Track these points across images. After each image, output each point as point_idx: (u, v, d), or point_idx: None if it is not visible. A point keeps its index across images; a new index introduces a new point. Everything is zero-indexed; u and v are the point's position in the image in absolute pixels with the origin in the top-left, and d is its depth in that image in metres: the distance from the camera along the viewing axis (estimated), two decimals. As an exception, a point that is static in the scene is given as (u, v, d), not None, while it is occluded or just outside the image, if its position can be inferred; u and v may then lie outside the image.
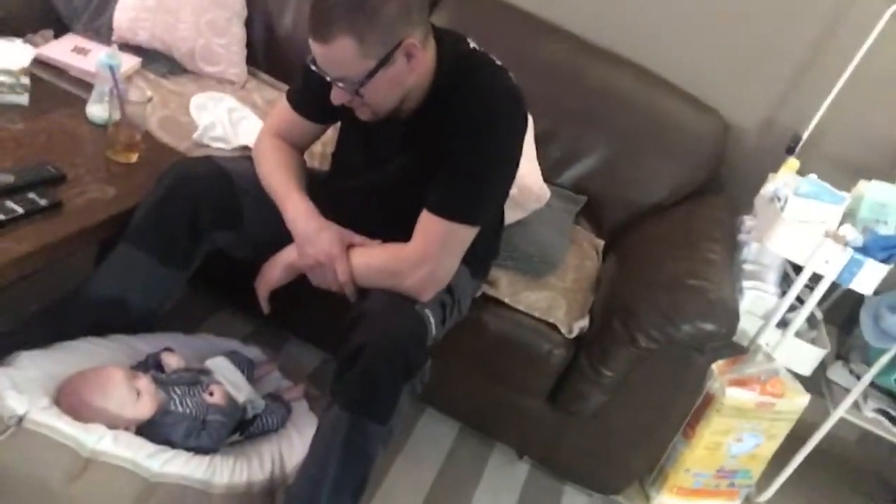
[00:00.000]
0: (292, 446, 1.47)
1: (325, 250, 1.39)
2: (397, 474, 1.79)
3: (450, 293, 1.47)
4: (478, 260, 1.56)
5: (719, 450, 1.92)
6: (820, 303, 1.97)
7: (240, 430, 1.45)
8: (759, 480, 2.05)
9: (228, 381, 1.46)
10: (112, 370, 1.35)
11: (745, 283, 1.97)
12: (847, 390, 2.03)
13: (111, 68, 1.57)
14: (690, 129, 2.14)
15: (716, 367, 1.87)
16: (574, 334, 1.74)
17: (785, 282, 2.03)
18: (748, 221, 2.08)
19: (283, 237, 1.44)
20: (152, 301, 1.52)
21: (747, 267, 2.01)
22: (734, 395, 1.83)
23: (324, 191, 1.52)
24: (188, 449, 1.34)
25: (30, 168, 1.44)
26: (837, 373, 2.12)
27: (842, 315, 2.28)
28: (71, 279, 1.50)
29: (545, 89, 2.07)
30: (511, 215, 1.81)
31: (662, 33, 2.21)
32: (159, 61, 2.04)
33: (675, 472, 1.95)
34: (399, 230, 1.38)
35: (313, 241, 1.40)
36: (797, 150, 2.10)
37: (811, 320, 2.07)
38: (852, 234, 1.79)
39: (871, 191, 1.88)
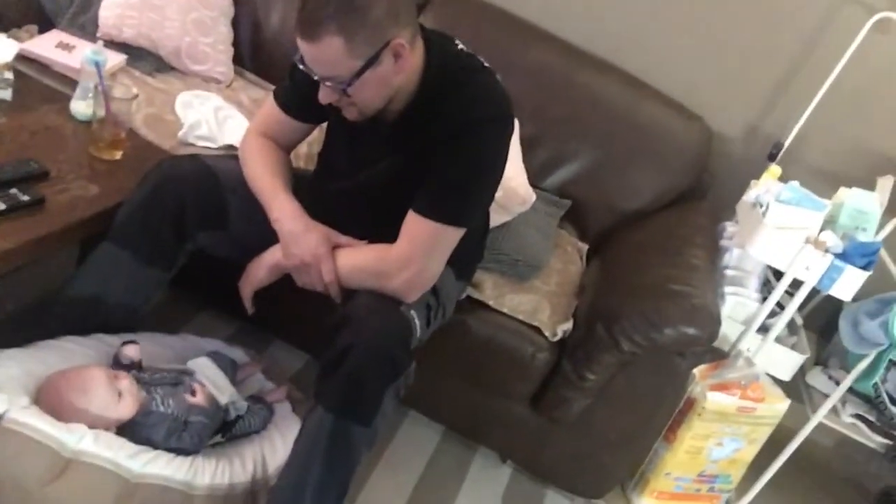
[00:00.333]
0: (275, 448, 1.46)
1: (311, 250, 1.39)
2: (379, 477, 1.78)
3: (435, 295, 1.47)
4: (463, 262, 1.56)
5: (700, 454, 1.93)
6: (800, 309, 1.99)
7: (222, 431, 1.44)
8: (739, 485, 2.07)
9: (211, 382, 1.45)
10: (94, 370, 1.34)
11: (727, 289, 1.99)
12: (826, 396, 2.04)
13: (97, 64, 1.56)
14: (675, 135, 2.15)
15: (697, 371, 1.88)
16: (558, 337, 1.75)
17: (766, 287, 2.05)
18: (730, 227, 2.10)
19: (268, 237, 1.43)
20: (135, 300, 1.50)
21: (729, 272, 2.03)
22: (715, 400, 1.85)
23: (310, 191, 1.52)
24: (169, 450, 1.32)
25: (12, 164, 1.42)
26: (816, 378, 2.14)
27: (821, 321, 2.32)
28: (52, 279, 1.48)
29: (531, 93, 2.08)
30: (496, 218, 1.81)
31: (650, 42, 2.24)
32: (145, 59, 2.03)
33: (656, 477, 1.96)
34: (385, 231, 1.38)
35: (299, 240, 1.40)
36: (779, 157, 2.13)
37: (791, 326, 2.09)
38: (833, 240, 1.81)
39: (852, 198, 1.90)
